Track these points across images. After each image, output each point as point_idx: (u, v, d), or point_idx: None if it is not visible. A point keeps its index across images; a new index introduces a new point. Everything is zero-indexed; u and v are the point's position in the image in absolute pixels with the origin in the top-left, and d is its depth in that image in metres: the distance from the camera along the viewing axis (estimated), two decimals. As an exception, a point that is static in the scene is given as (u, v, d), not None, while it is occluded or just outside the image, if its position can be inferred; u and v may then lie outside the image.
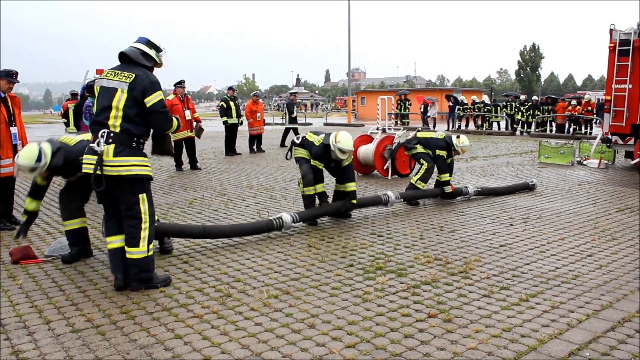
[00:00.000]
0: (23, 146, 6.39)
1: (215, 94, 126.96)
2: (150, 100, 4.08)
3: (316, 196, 6.54)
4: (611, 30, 11.00)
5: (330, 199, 6.78)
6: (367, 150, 10.24)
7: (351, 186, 6.48)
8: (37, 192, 4.89)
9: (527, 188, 8.65)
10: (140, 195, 4.13)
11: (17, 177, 4.88)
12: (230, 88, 15.50)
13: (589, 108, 21.07)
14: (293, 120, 16.61)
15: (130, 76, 4.05)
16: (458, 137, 7.91)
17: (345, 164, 6.49)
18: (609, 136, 11.40)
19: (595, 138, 13.26)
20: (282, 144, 16.50)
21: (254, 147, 15.15)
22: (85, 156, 4.14)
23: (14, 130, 6.24)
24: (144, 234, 4.15)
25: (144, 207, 4.15)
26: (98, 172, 3.98)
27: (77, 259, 4.94)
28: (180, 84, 11.66)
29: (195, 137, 11.72)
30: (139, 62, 4.17)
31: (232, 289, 4.19)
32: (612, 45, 10.93)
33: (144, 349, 3.21)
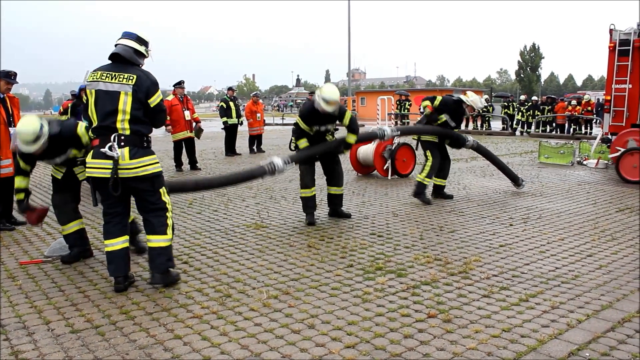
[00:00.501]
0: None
1: (215, 94, 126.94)
2: (154, 100, 4.15)
3: (315, 198, 6.47)
4: (611, 31, 11.00)
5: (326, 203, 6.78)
6: (367, 151, 10.24)
7: (351, 138, 6.30)
8: (24, 171, 4.75)
9: (516, 182, 8.62)
10: (160, 190, 4.26)
11: (16, 150, 4.70)
12: (230, 88, 15.50)
13: (589, 108, 21.08)
14: None
15: (131, 77, 4.05)
16: (465, 93, 7.80)
17: (346, 121, 6.19)
18: (609, 136, 11.40)
19: (595, 138, 13.27)
20: None
21: (254, 147, 15.15)
22: (94, 160, 4.09)
23: (13, 130, 6.23)
24: (170, 222, 4.29)
25: (166, 198, 4.29)
26: (116, 176, 4.00)
27: (77, 259, 4.93)
28: (179, 84, 11.67)
29: (195, 138, 11.74)
30: (133, 62, 4.16)
31: (232, 290, 4.18)
32: (612, 45, 10.93)
33: (144, 349, 3.20)
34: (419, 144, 7.98)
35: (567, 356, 3.09)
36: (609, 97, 11.17)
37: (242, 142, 15.93)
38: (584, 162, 12.05)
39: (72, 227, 4.92)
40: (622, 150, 9.72)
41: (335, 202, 6.70)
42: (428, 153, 7.71)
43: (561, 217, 6.75)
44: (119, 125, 4.04)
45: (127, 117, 4.05)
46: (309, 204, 6.44)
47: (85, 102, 4.27)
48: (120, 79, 4.04)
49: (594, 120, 20.53)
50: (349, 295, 4.05)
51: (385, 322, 3.55)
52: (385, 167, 10.04)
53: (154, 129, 4.41)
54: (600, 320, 3.60)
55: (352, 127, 6.30)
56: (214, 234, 5.97)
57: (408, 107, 26.43)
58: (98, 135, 4.11)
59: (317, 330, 3.45)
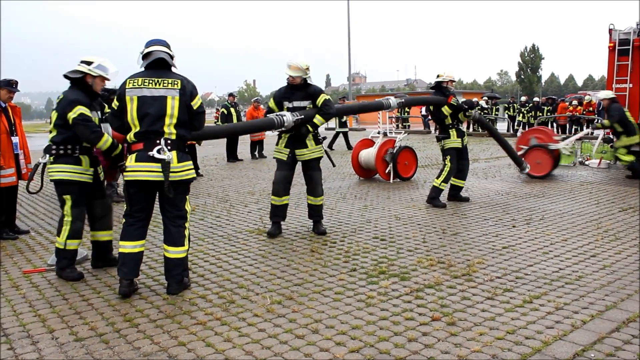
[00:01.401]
0: (25, 155, 6.41)
1: (217, 100, 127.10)
2: (196, 102, 4.25)
3: (285, 208, 6.11)
4: (610, 30, 11.01)
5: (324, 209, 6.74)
6: (368, 154, 10.25)
7: (316, 119, 5.84)
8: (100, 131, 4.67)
9: (520, 165, 9.19)
10: (187, 196, 4.32)
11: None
12: (230, 94, 15.58)
13: (590, 108, 21.07)
14: (343, 124, 16.69)
15: (176, 82, 4.13)
16: (438, 75, 7.87)
17: (319, 102, 5.83)
18: (611, 136, 11.39)
19: (596, 138, 13.25)
20: (331, 147, 16.47)
21: (256, 152, 15.18)
22: (139, 164, 4.07)
23: (15, 139, 6.25)
24: (187, 232, 4.32)
25: (188, 206, 4.34)
26: (167, 179, 4.06)
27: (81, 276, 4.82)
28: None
29: (196, 144, 11.76)
30: (171, 67, 4.26)
31: (235, 295, 4.18)
32: (611, 45, 10.95)
33: (148, 356, 3.20)
34: (442, 152, 7.79)
35: (572, 357, 3.08)
36: None
37: (243, 148, 15.96)
38: (586, 162, 12.02)
39: (77, 243, 4.82)
40: (526, 147, 10.34)
41: (311, 213, 6.22)
42: (447, 160, 7.61)
43: (564, 217, 6.74)
44: (166, 129, 4.10)
45: (174, 121, 4.12)
46: (276, 212, 6.09)
47: (117, 108, 4.23)
48: (165, 84, 4.11)
49: (596, 120, 20.51)
50: (353, 299, 4.05)
51: (389, 326, 3.55)
52: (387, 171, 10.04)
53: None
54: (604, 320, 3.59)
55: (322, 110, 5.86)
56: (217, 240, 5.97)
57: (408, 110, 26.47)
58: (141, 139, 4.12)
59: (321, 335, 3.44)
